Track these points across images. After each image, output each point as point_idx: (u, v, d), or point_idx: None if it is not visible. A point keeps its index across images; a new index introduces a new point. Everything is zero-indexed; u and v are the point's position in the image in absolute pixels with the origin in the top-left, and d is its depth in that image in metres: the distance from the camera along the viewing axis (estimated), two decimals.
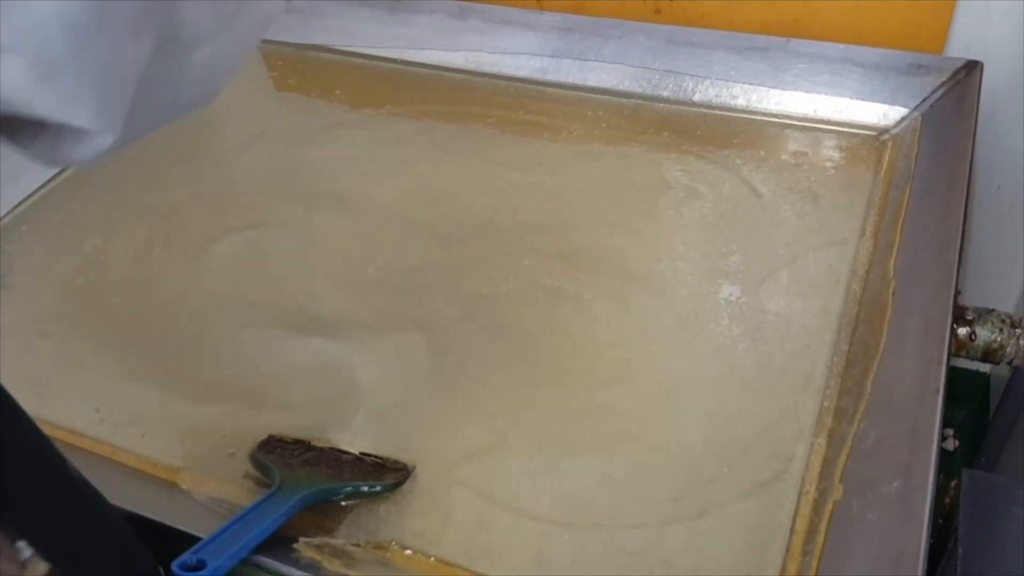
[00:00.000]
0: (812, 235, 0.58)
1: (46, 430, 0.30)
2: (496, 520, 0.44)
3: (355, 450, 0.47)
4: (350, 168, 0.69)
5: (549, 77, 0.75)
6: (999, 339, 0.49)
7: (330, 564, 0.40)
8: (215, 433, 0.49)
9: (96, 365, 0.55)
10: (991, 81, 0.64)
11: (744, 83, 0.69)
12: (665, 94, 0.72)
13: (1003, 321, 0.49)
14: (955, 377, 0.44)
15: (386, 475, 0.45)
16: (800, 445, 0.45)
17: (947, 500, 0.47)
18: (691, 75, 0.71)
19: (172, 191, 0.69)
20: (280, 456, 0.46)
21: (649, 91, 0.72)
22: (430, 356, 0.53)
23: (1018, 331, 0.49)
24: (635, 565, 0.41)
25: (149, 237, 0.65)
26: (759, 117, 0.69)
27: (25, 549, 0.28)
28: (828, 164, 0.64)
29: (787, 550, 0.41)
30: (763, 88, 0.69)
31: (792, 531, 0.42)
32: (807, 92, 0.68)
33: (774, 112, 0.69)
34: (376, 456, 0.47)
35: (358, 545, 0.42)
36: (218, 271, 0.61)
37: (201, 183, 0.70)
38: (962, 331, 0.49)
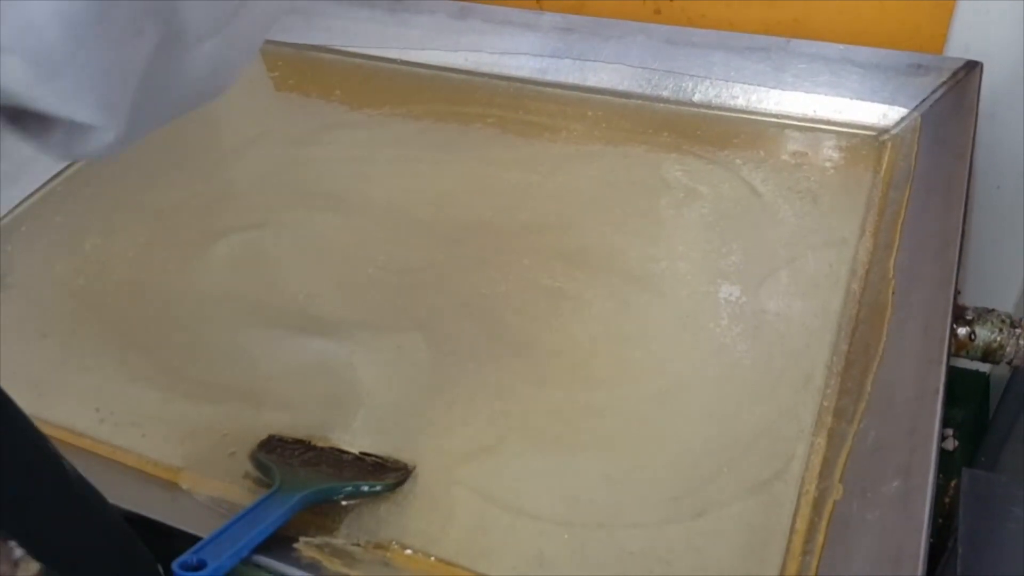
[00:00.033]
0: (812, 235, 0.58)
1: (46, 430, 0.30)
2: (496, 520, 0.44)
3: (355, 450, 0.47)
4: (350, 168, 0.69)
5: (549, 77, 0.75)
6: (999, 339, 0.49)
7: (330, 564, 0.40)
8: (215, 433, 0.49)
9: (96, 365, 0.55)
10: (991, 81, 0.64)
11: (744, 83, 0.70)
12: (665, 94, 0.72)
13: (1003, 321, 0.50)
14: (955, 377, 0.44)
15: (386, 475, 0.45)
16: (800, 445, 0.45)
17: (947, 500, 0.47)
18: (691, 75, 0.71)
19: (172, 191, 0.69)
20: (280, 456, 0.46)
21: (649, 91, 0.72)
22: (430, 356, 0.53)
23: (1018, 331, 0.49)
24: (635, 565, 0.41)
25: (149, 237, 0.65)
26: (759, 117, 0.69)
27: (18, 547, 0.28)
28: (828, 164, 0.64)
29: (787, 550, 0.41)
30: (763, 88, 0.69)
31: (792, 531, 0.42)
32: (807, 92, 0.68)
33: (774, 112, 0.69)
34: (376, 456, 0.47)
35: (358, 545, 0.42)
36: (218, 271, 0.61)
37: (201, 183, 0.70)
38: (962, 331, 0.49)
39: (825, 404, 0.47)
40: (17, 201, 0.70)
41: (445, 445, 0.47)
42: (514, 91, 0.75)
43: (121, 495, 0.35)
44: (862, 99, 0.66)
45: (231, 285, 0.60)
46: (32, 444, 0.29)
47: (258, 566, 0.39)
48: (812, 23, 0.72)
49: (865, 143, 0.65)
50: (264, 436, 0.48)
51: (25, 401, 0.29)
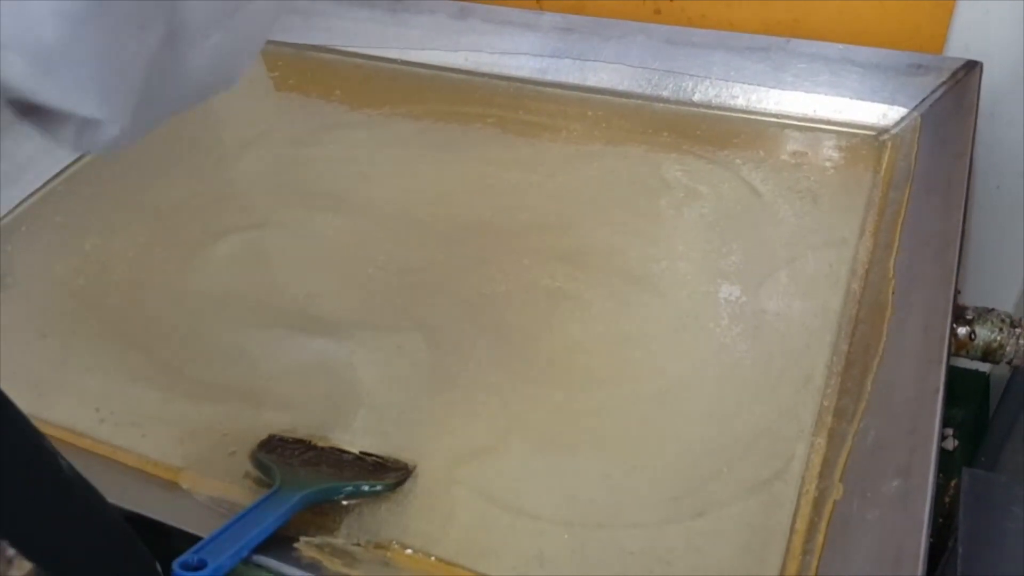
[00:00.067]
0: (812, 235, 0.58)
1: (46, 430, 0.30)
2: (496, 519, 0.44)
3: (355, 449, 0.47)
4: (350, 168, 0.69)
5: (549, 77, 0.75)
6: (999, 338, 0.49)
7: (331, 563, 0.40)
8: (215, 433, 0.49)
9: (96, 365, 0.55)
10: (990, 81, 0.64)
11: (744, 83, 0.70)
12: (665, 94, 0.72)
13: (1003, 321, 0.50)
14: (955, 377, 0.44)
15: (387, 474, 0.45)
16: (800, 444, 0.45)
17: (947, 499, 0.47)
18: (691, 75, 0.71)
19: (172, 191, 0.69)
20: (281, 456, 0.46)
21: (649, 91, 0.72)
22: (430, 356, 0.53)
23: (1018, 331, 0.49)
24: (635, 564, 0.41)
25: (149, 237, 0.65)
26: (759, 117, 0.69)
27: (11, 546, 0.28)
28: (828, 164, 0.64)
29: (787, 549, 0.41)
30: (763, 88, 0.69)
31: (792, 530, 0.42)
32: (807, 92, 0.68)
33: (774, 112, 0.69)
34: (377, 455, 0.47)
35: (359, 545, 0.42)
36: (218, 271, 0.61)
37: (201, 183, 0.70)
38: (962, 331, 0.49)
39: (825, 404, 0.47)
40: (17, 201, 0.70)
41: (445, 445, 0.47)
42: (514, 91, 0.75)
43: (121, 495, 0.35)
44: (862, 99, 0.66)
45: (231, 285, 0.60)
46: (26, 442, 0.28)
47: (258, 566, 0.39)
48: (812, 23, 0.72)
49: (865, 143, 0.65)
50: (264, 436, 0.48)
51: (25, 401, 0.29)
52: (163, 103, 0.30)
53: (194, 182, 0.70)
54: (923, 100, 0.65)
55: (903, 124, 0.65)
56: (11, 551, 0.28)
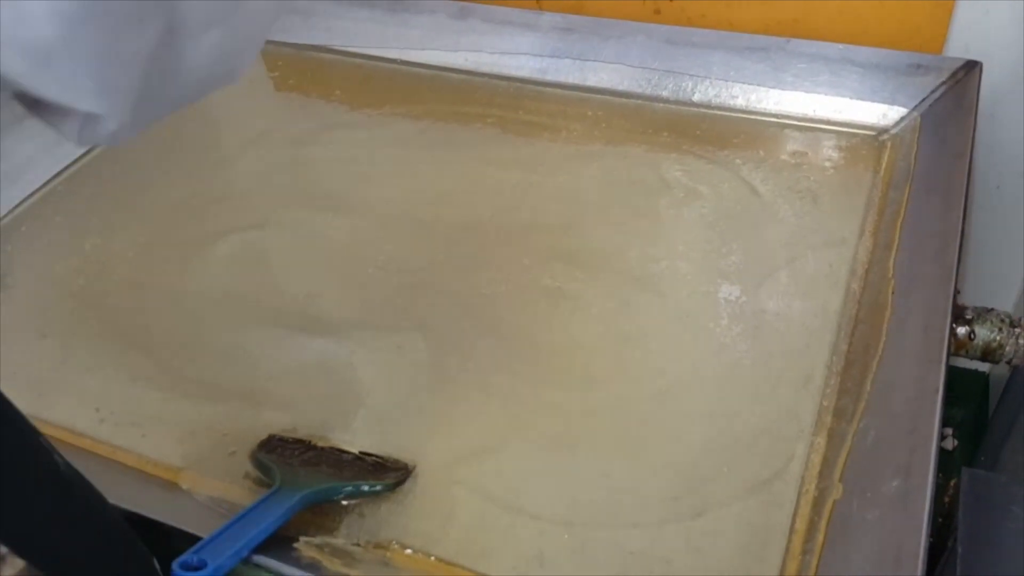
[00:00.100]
0: (811, 235, 0.58)
1: (46, 430, 0.30)
2: (496, 519, 0.44)
3: (355, 449, 0.47)
4: (350, 168, 0.69)
5: (549, 77, 0.75)
6: (998, 338, 0.49)
7: (330, 563, 0.40)
8: (215, 433, 0.49)
9: (96, 365, 0.55)
10: (990, 81, 0.64)
11: (744, 83, 0.70)
12: (665, 94, 0.72)
13: (1002, 320, 0.50)
14: (954, 376, 0.44)
15: (386, 474, 0.45)
16: (800, 444, 0.45)
17: (947, 499, 0.47)
18: (691, 75, 0.71)
19: (172, 191, 0.69)
20: (281, 456, 0.46)
21: (649, 91, 0.72)
22: (430, 356, 0.53)
23: (1017, 330, 0.49)
24: (635, 564, 0.41)
25: (149, 237, 0.65)
26: (759, 117, 0.69)
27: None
28: (827, 164, 0.64)
29: (787, 549, 0.41)
30: (762, 88, 0.69)
31: (792, 530, 0.42)
32: (806, 92, 0.68)
33: (773, 112, 0.69)
34: (376, 455, 0.47)
35: (358, 545, 0.42)
36: (218, 271, 0.61)
37: (201, 183, 0.70)
38: (961, 330, 0.49)
39: (825, 404, 0.47)
40: (17, 201, 0.70)
41: (445, 445, 0.47)
42: (514, 91, 0.75)
43: (121, 495, 0.35)
44: (862, 99, 0.66)
45: (231, 285, 0.60)
46: (22, 440, 0.28)
47: (258, 566, 0.39)
48: (812, 23, 0.72)
49: (865, 143, 0.65)
50: (264, 436, 0.48)
51: (25, 401, 0.29)
52: (163, 98, 0.30)
53: (194, 182, 0.70)
54: (923, 100, 0.65)
55: (903, 124, 0.65)
56: (3, 549, 0.28)
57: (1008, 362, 0.50)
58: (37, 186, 0.71)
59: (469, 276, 0.58)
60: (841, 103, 0.67)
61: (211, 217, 0.66)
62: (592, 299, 0.55)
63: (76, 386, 0.54)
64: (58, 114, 0.28)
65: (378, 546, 0.42)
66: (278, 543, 0.40)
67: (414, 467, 0.46)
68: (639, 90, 0.72)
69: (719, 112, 0.70)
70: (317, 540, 0.41)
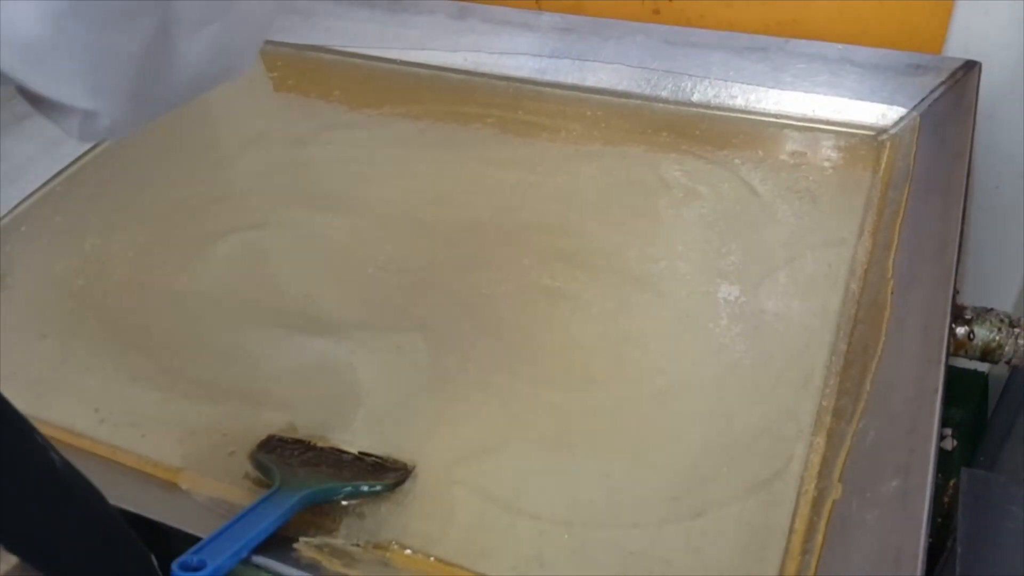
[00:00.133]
0: (811, 235, 0.58)
1: (45, 431, 0.30)
2: (496, 520, 0.44)
3: (355, 450, 0.47)
4: (349, 168, 0.69)
5: (548, 77, 0.75)
6: (997, 338, 0.49)
7: (330, 564, 0.40)
8: (215, 433, 0.49)
9: (95, 365, 0.55)
10: (989, 81, 0.64)
11: (743, 83, 0.70)
12: (664, 94, 0.72)
13: (1001, 320, 0.50)
14: (953, 376, 0.44)
15: (386, 475, 0.45)
16: (799, 444, 0.45)
17: (946, 499, 0.47)
18: (690, 75, 0.71)
19: (172, 191, 0.69)
20: (280, 456, 0.46)
21: (648, 91, 0.72)
22: (430, 356, 0.53)
23: (1016, 330, 0.49)
24: (635, 564, 0.41)
25: (149, 237, 0.65)
26: (758, 117, 0.69)
27: None
28: (827, 164, 0.64)
29: (786, 549, 0.41)
30: (762, 88, 0.69)
31: (791, 530, 0.42)
32: (806, 92, 0.68)
33: (773, 112, 0.69)
34: (376, 456, 0.47)
35: (358, 545, 0.42)
36: (217, 271, 0.61)
37: (200, 183, 0.70)
38: (960, 330, 0.49)
39: (824, 404, 0.47)
40: (16, 201, 0.70)
41: (445, 445, 0.47)
42: (513, 91, 0.75)
43: (120, 495, 0.35)
44: (861, 99, 0.66)
45: (230, 285, 0.60)
46: (16, 436, 0.28)
47: (258, 566, 0.39)
48: (811, 23, 0.72)
49: (864, 143, 0.65)
50: (264, 436, 0.48)
51: (24, 401, 0.29)
52: (161, 94, 0.30)
53: (193, 182, 0.70)
54: (922, 100, 0.65)
55: (902, 124, 0.65)
56: None
57: (1007, 362, 0.50)
58: (37, 186, 0.71)
59: (469, 276, 0.58)
60: (840, 103, 0.67)
61: (211, 217, 0.66)
62: (591, 299, 0.55)
63: (75, 386, 0.54)
64: (58, 110, 0.28)
65: (377, 546, 0.42)
66: (278, 543, 0.40)
67: (414, 467, 0.46)
68: (638, 90, 0.72)
69: (718, 112, 0.70)
70: (316, 540, 0.41)
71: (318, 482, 0.44)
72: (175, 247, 0.63)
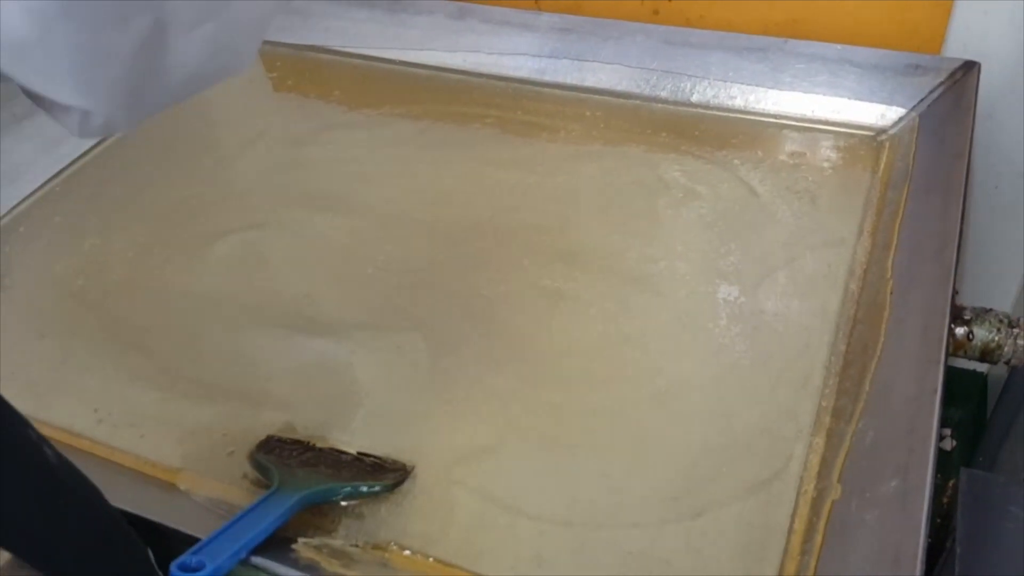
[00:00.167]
0: (810, 235, 0.58)
1: (44, 431, 0.30)
2: (495, 520, 0.44)
3: (354, 450, 0.47)
4: (349, 168, 0.69)
5: (547, 78, 0.75)
6: (997, 339, 0.49)
7: (329, 565, 0.40)
8: (214, 433, 0.49)
9: (94, 366, 0.55)
10: (988, 81, 0.64)
11: (742, 83, 0.70)
12: (663, 94, 0.72)
13: (1001, 321, 0.50)
14: (953, 377, 0.44)
15: (385, 475, 0.45)
16: (798, 445, 0.45)
17: (945, 500, 0.47)
18: (689, 75, 0.71)
19: (171, 191, 0.69)
20: (279, 456, 0.46)
21: (647, 91, 0.72)
22: (429, 356, 0.53)
23: (1016, 331, 0.49)
24: (634, 565, 0.41)
25: (148, 237, 0.65)
26: (757, 117, 0.69)
27: None
28: (826, 164, 0.64)
29: (785, 550, 0.41)
30: (761, 88, 0.69)
31: (790, 530, 0.42)
32: (805, 92, 0.68)
33: (772, 112, 0.69)
34: (375, 456, 0.47)
35: (357, 546, 0.42)
36: (217, 271, 0.61)
37: (200, 183, 0.70)
38: (960, 331, 0.49)
39: (823, 404, 0.47)
40: (16, 201, 0.70)
41: (444, 445, 0.47)
42: (512, 91, 0.75)
43: (119, 496, 0.35)
44: (860, 99, 0.66)
45: (230, 285, 0.60)
46: (8, 431, 0.28)
47: (257, 567, 0.39)
48: (810, 23, 0.72)
49: (863, 143, 0.65)
50: (263, 436, 0.48)
51: (23, 402, 0.29)
52: (158, 92, 0.31)
53: (193, 183, 0.70)
54: (921, 100, 0.65)
55: (901, 124, 0.65)
56: None
57: (1006, 362, 0.50)
58: (36, 186, 0.71)
59: (468, 276, 0.58)
60: (839, 103, 0.67)
61: (210, 217, 0.66)
62: (591, 300, 0.55)
63: (74, 387, 0.54)
64: (58, 107, 0.29)
65: (376, 547, 0.42)
66: (276, 544, 0.40)
67: (413, 468, 0.46)
68: (637, 90, 0.72)
69: (717, 112, 0.70)
70: (315, 541, 0.41)
71: (317, 483, 0.43)
72: (175, 247, 0.63)
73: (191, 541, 0.38)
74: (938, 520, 0.46)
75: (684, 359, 0.51)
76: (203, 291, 0.59)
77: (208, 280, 0.60)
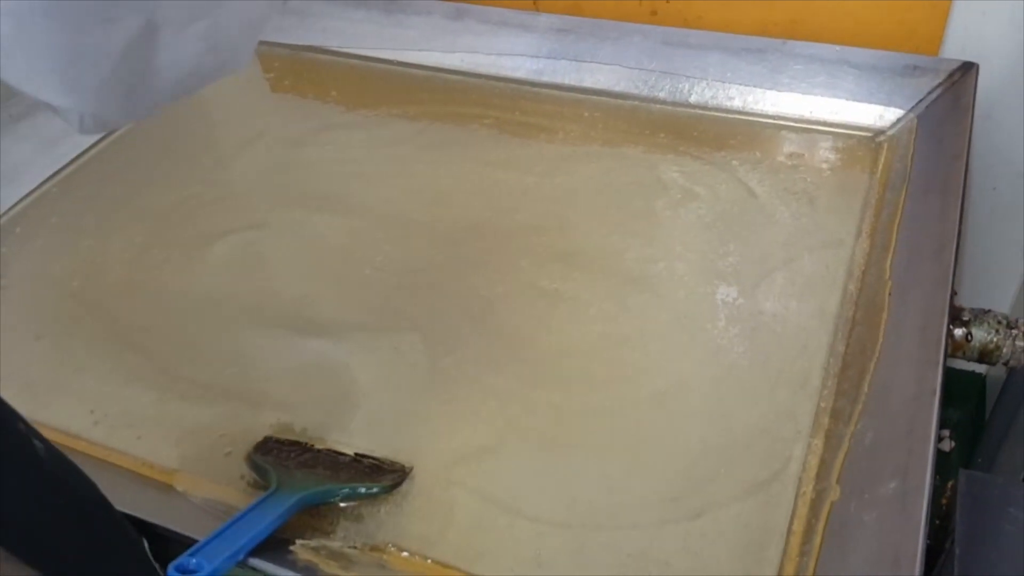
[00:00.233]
0: (808, 236, 0.58)
1: (41, 432, 0.30)
2: (494, 521, 0.43)
3: (352, 451, 0.47)
4: (347, 169, 0.69)
5: (545, 78, 0.75)
6: (995, 340, 0.49)
7: (327, 566, 0.40)
8: (212, 434, 0.49)
9: (91, 366, 0.55)
10: (987, 82, 0.64)
11: (740, 84, 0.70)
12: (661, 95, 0.72)
13: (999, 322, 0.50)
14: (951, 378, 0.44)
15: (383, 476, 0.45)
16: (797, 446, 0.45)
17: (944, 501, 0.47)
18: (687, 76, 0.71)
19: (169, 192, 0.69)
20: (277, 458, 0.46)
21: (645, 92, 0.72)
22: (428, 357, 0.53)
23: (1014, 332, 0.49)
24: (633, 566, 0.41)
25: (145, 238, 0.64)
26: (755, 118, 0.69)
27: None
28: (824, 165, 0.64)
29: (784, 551, 0.41)
30: (759, 89, 0.69)
31: (789, 532, 0.42)
32: (803, 93, 0.68)
33: (770, 113, 0.69)
34: (373, 457, 0.46)
35: (355, 547, 0.42)
36: (215, 272, 0.61)
37: (198, 184, 0.70)
38: (958, 332, 0.49)
39: (822, 405, 0.47)
40: (13, 202, 0.70)
41: (443, 446, 0.47)
42: (511, 92, 0.75)
43: (116, 498, 0.35)
44: (858, 100, 0.66)
45: (228, 286, 0.60)
46: None
47: (254, 569, 0.39)
48: (809, 24, 0.72)
49: (861, 144, 0.65)
50: (260, 438, 0.48)
51: (20, 402, 0.29)
52: (152, 91, 0.31)
53: (190, 183, 0.70)
54: (919, 101, 0.65)
55: (899, 125, 0.65)
56: None
57: (1005, 363, 0.50)
58: (33, 187, 0.71)
59: (467, 277, 0.58)
60: (838, 104, 0.67)
61: (208, 218, 0.66)
62: (590, 300, 0.55)
63: (71, 388, 0.53)
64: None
65: (375, 549, 0.42)
66: (274, 546, 0.40)
67: (411, 469, 0.46)
68: (636, 91, 0.72)
69: (716, 113, 0.70)
70: (313, 543, 0.41)
71: (315, 484, 0.43)
72: (172, 248, 0.63)
73: (188, 543, 0.38)
74: (937, 521, 0.46)
75: (683, 360, 0.51)
76: (201, 292, 0.59)
77: (206, 281, 0.60)
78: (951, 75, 0.64)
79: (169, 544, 0.39)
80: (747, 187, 0.62)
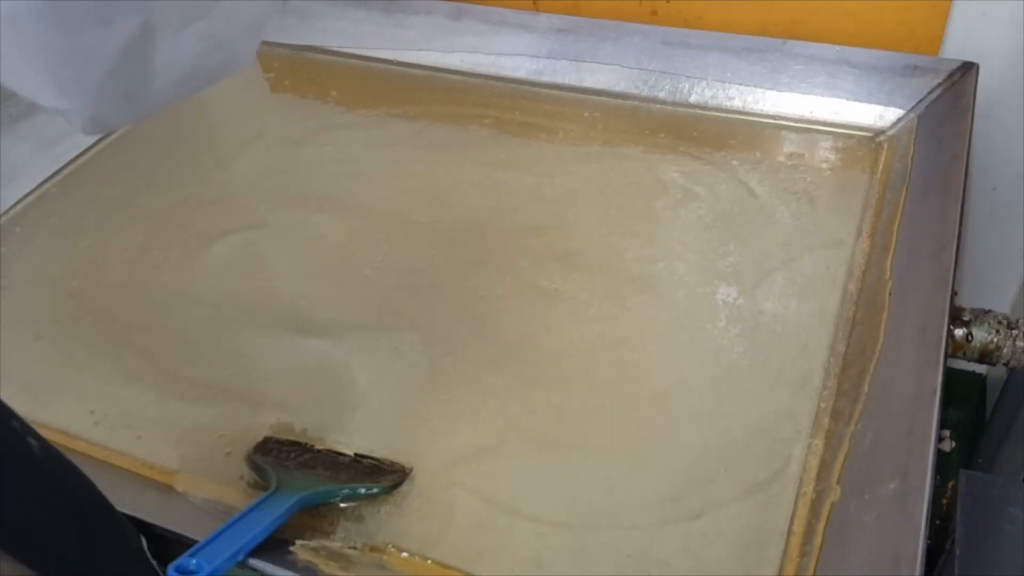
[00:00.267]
0: (808, 236, 0.58)
1: (40, 433, 0.30)
2: (494, 521, 0.43)
3: (352, 451, 0.47)
4: (347, 169, 0.69)
5: (545, 78, 0.75)
6: (995, 340, 0.49)
7: (326, 567, 0.40)
8: (211, 435, 0.49)
9: (91, 367, 0.55)
10: (987, 82, 0.64)
11: (740, 84, 0.70)
12: (661, 95, 0.72)
13: (999, 322, 0.50)
14: (952, 378, 0.44)
15: (383, 477, 0.45)
16: (797, 446, 0.45)
17: (944, 501, 0.47)
18: (687, 76, 0.71)
19: (168, 192, 0.69)
20: (277, 458, 0.46)
21: (645, 92, 0.72)
22: (428, 357, 0.53)
23: (1014, 332, 0.49)
24: (633, 566, 0.41)
25: (145, 238, 0.64)
26: (755, 118, 0.69)
27: None
28: (824, 165, 0.64)
29: (784, 551, 0.41)
30: (759, 89, 0.69)
31: (790, 532, 0.41)
32: (803, 93, 0.68)
33: (770, 113, 0.69)
34: (373, 458, 0.46)
35: (355, 548, 0.42)
36: (215, 272, 0.61)
37: (197, 184, 0.70)
38: (959, 332, 0.49)
39: (822, 405, 0.47)
40: (12, 202, 0.70)
41: (443, 446, 0.47)
42: (511, 92, 0.75)
43: (116, 498, 0.35)
44: (858, 100, 0.66)
45: (227, 286, 0.60)
46: None
47: (254, 569, 0.39)
48: (809, 24, 0.72)
49: (861, 144, 0.65)
50: (260, 438, 0.48)
51: (19, 403, 0.29)
52: (154, 90, 0.31)
53: (190, 183, 0.70)
54: (919, 101, 0.65)
55: (899, 125, 0.65)
56: None
57: (1005, 364, 0.50)
58: (32, 187, 0.71)
59: (466, 277, 0.58)
60: (838, 104, 0.67)
61: (208, 218, 0.66)
62: (589, 300, 0.55)
63: (71, 388, 0.53)
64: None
65: (374, 549, 0.42)
66: (274, 546, 0.40)
67: (411, 469, 0.46)
68: (636, 91, 0.72)
69: (716, 113, 0.70)
70: (313, 543, 0.41)
71: (315, 484, 0.43)
72: (172, 248, 0.63)
73: (188, 543, 0.38)
74: (937, 521, 0.46)
75: (682, 360, 0.51)
76: (200, 292, 0.59)
77: (206, 281, 0.60)
78: (951, 75, 0.64)
79: (169, 544, 0.38)
80: (747, 187, 0.62)
